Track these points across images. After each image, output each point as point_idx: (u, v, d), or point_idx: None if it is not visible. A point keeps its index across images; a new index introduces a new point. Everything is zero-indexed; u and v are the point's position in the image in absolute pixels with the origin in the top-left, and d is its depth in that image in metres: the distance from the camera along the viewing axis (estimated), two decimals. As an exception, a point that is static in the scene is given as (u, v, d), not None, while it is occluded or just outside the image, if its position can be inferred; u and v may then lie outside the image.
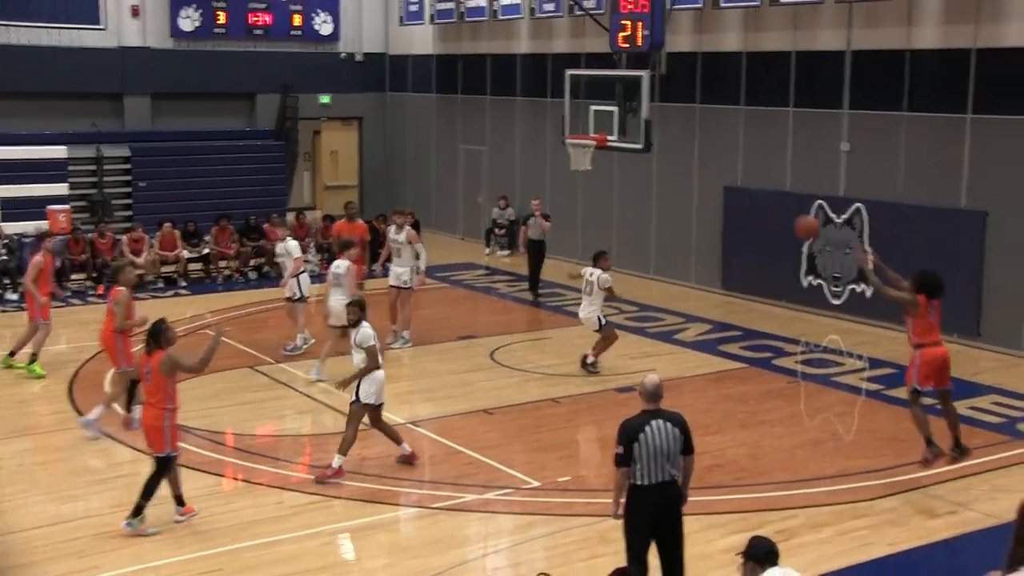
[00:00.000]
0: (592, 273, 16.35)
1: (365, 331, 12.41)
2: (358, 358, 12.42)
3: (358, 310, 12.58)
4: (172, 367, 11.02)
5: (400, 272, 18.20)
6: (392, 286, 18.31)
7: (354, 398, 12.38)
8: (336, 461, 12.24)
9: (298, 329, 17.66)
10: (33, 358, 16.37)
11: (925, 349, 11.42)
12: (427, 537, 10.94)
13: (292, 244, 17.74)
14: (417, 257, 18.29)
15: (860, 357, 17.31)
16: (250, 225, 24.58)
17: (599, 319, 16.39)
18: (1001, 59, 17.61)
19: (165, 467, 11.02)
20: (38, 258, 16.57)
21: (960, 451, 11.95)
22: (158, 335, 11.10)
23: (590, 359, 16.45)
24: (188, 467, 12.53)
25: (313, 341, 17.47)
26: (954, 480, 12.21)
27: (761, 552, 6.95)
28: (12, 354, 16.65)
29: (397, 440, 12.80)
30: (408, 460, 12.76)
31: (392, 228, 18.48)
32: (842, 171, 20.00)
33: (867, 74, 19.51)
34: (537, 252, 21.66)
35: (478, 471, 12.60)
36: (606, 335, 16.43)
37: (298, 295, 17.49)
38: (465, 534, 11.12)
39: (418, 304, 18.66)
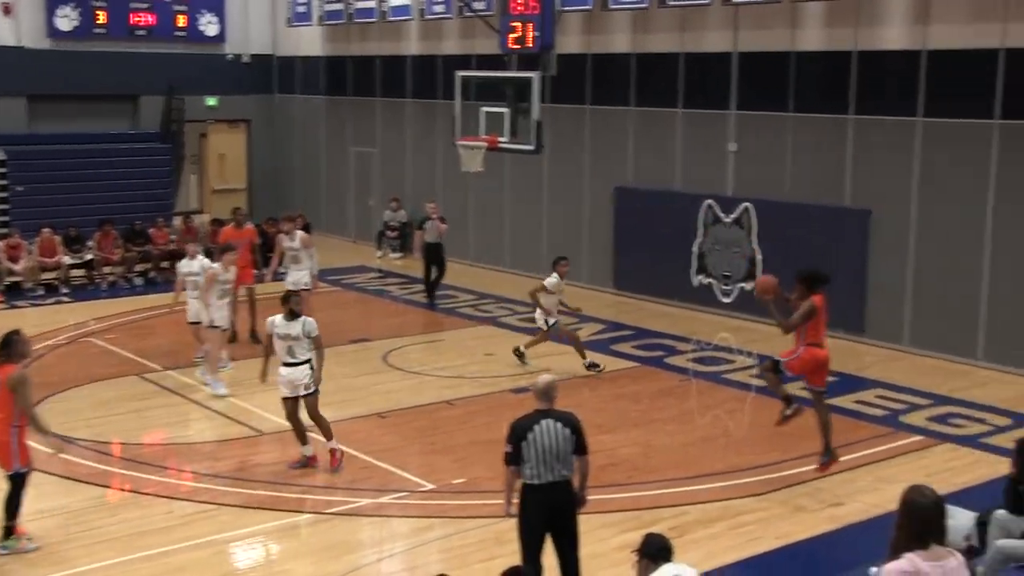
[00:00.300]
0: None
1: (311, 321, 12.66)
2: (298, 349, 12.53)
3: (300, 300, 12.77)
4: (19, 387, 10.33)
5: (299, 277, 18.08)
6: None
7: (314, 388, 12.65)
8: (334, 444, 12.69)
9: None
10: None
11: (811, 347, 11.61)
12: (321, 543, 10.88)
13: (206, 262, 16.56)
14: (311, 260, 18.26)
15: (750, 354, 17.62)
16: (135, 230, 24.20)
17: (545, 321, 16.81)
18: (880, 61, 18.09)
19: (20, 483, 10.55)
20: None
21: (829, 455, 12.01)
22: (9, 347, 10.46)
23: (585, 361, 16.76)
24: (72, 479, 12.32)
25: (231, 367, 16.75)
26: (839, 473, 12.50)
27: (655, 549, 7.05)
28: None
29: (303, 440, 12.75)
30: (308, 463, 12.71)
31: (284, 235, 18.36)
32: (730, 171, 20.34)
33: (754, 75, 19.89)
34: (435, 256, 21.56)
35: (373, 475, 12.57)
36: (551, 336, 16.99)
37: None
38: (360, 539, 11.09)
39: (310, 308, 18.51)
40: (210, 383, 15.71)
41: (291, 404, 12.71)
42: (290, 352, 12.62)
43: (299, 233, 18.27)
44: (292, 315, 12.63)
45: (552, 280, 16.75)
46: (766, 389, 12.53)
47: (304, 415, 12.73)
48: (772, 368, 11.92)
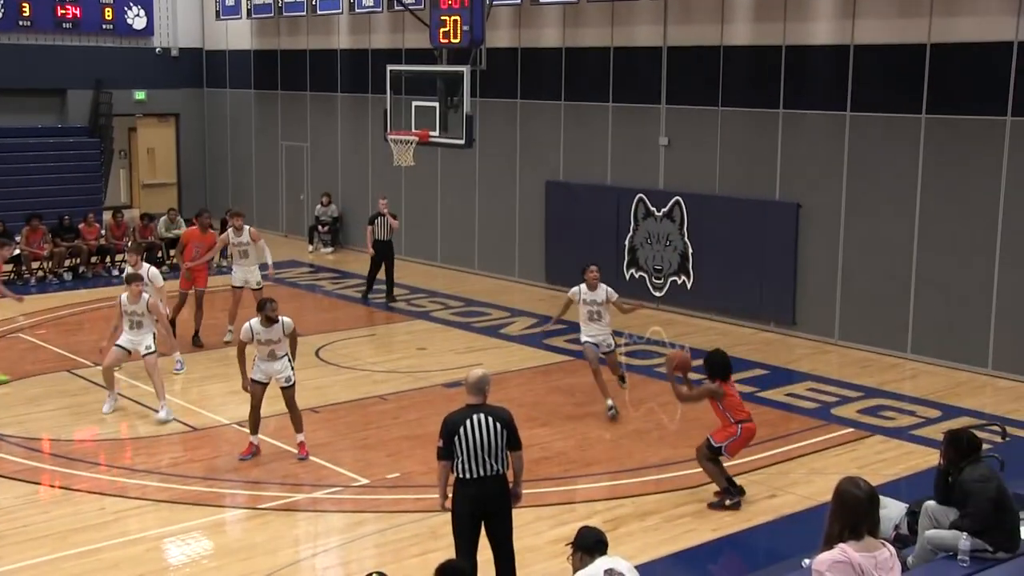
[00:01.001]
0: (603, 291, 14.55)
1: (289, 321, 12.78)
2: (279, 350, 12.67)
3: (275, 306, 12.76)
4: None
5: (247, 275, 17.98)
6: (236, 287, 18.00)
7: (293, 381, 12.84)
8: (300, 438, 12.86)
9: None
10: None
11: (746, 424, 11.49)
12: (255, 539, 10.76)
13: (154, 271, 16.13)
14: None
15: (682, 348, 17.69)
16: (64, 225, 23.78)
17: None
18: (809, 56, 18.25)
19: None
20: None
21: (737, 489, 11.64)
22: None
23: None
24: (2, 476, 12.10)
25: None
26: (773, 465, 12.62)
27: (591, 541, 7.04)
28: None
29: (256, 430, 12.85)
30: (257, 453, 12.78)
31: (231, 231, 18.14)
32: (661, 165, 20.43)
33: (683, 70, 19.98)
34: (386, 253, 21.28)
35: (306, 470, 12.46)
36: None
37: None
38: (295, 534, 10.98)
39: (240, 303, 18.31)
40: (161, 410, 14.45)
41: (261, 389, 12.71)
42: (271, 355, 12.68)
43: (247, 228, 18.07)
44: (269, 320, 12.59)
45: (575, 289, 14.70)
46: (699, 383, 12.52)
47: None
48: (712, 456, 11.43)
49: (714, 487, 11.54)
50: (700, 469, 11.59)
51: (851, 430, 13.95)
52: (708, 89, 19.50)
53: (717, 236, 19.38)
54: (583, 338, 14.56)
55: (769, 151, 18.78)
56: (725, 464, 11.60)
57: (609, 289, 14.63)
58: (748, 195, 19.06)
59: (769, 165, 18.80)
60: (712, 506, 11.42)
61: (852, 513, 6.05)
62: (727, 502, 11.38)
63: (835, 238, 18.05)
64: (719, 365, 11.48)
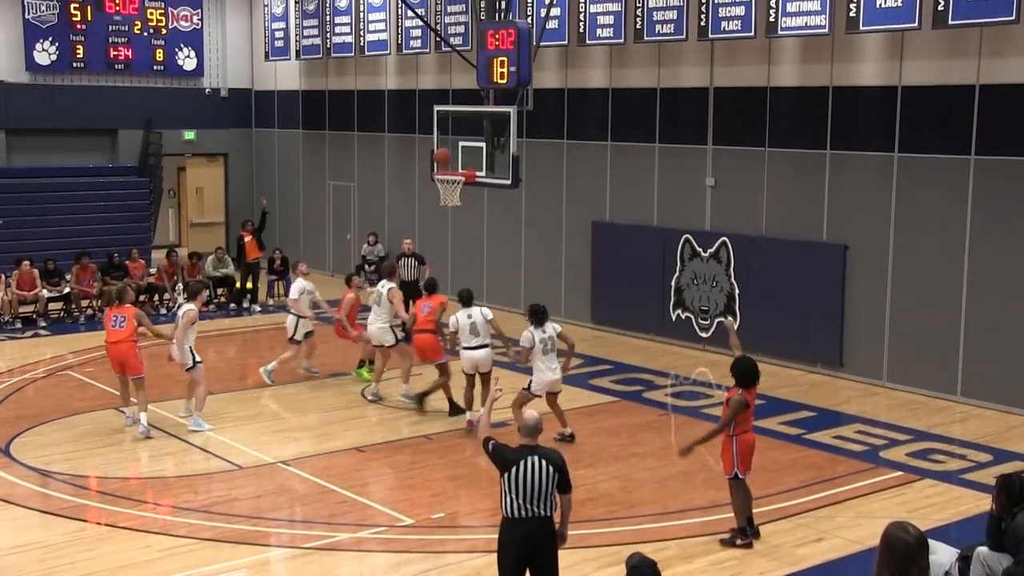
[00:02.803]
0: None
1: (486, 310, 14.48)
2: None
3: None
4: None
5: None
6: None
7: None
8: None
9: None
10: None
11: (744, 436, 11.35)
12: (300, 578, 10.79)
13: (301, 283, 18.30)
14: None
15: (728, 389, 17.55)
16: (113, 263, 24.06)
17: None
18: (855, 96, 18.20)
19: None
20: None
21: (753, 529, 11.58)
22: None
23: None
24: (50, 513, 12.20)
25: None
26: (820, 508, 12.49)
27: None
28: None
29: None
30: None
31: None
32: (707, 205, 20.40)
33: (730, 110, 19.98)
34: (411, 294, 21.32)
35: (351, 510, 12.48)
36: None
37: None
38: (338, 574, 10.98)
39: (287, 342, 18.42)
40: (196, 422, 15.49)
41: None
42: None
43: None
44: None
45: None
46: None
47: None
48: (741, 485, 11.31)
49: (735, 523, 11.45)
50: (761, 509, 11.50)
51: (900, 473, 13.78)
52: (755, 130, 19.48)
53: (764, 277, 19.30)
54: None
55: (816, 192, 18.72)
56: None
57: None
58: (795, 236, 18.98)
59: (816, 206, 18.73)
60: (723, 542, 11.32)
61: (901, 559, 5.98)
62: (738, 541, 11.27)
63: (883, 279, 17.93)
64: (748, 372, 11.31)
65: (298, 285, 18.25)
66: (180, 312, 15.83)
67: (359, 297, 18.40)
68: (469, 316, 15.47)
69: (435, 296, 16.62)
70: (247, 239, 25.15)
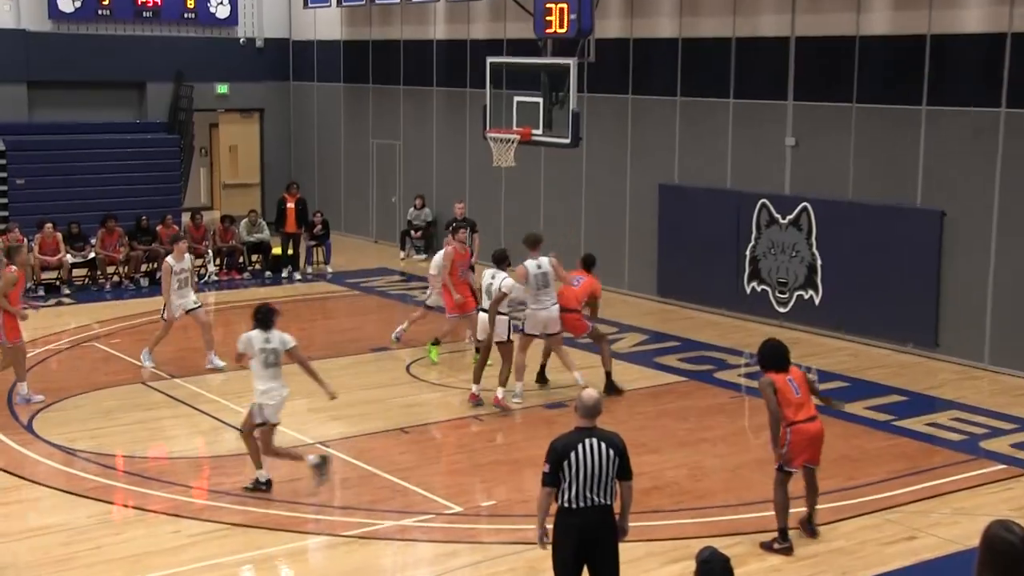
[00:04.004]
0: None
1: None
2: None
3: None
4: None
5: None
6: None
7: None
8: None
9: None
10: None
11: (796, 426, 11.10)
12: (339, 568, 10.84)
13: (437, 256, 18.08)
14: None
15: (808, 369, 17.37)
16: (141, 227, 24.22)
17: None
18: (956, 46, 17.90)
19: None
20: None
21: (811, 528, 11.44)
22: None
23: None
24: (74, 494, 12.34)
25: None
26: (912, 503, 12.34)
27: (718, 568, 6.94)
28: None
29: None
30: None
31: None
32: (787, 167, 20.21)
33: (813, 63, 19.75)
34: None
35: (394, 496, 12.51)
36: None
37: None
38: (381, 564, 11.04)
39: (328, 313, 18.54)
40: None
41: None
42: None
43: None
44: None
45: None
46: (827, 409, 12.27)
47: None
48: (783, 480, 11.12)
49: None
50: (830, 505, 11.36)
51: (1003, 467, 13.55)
52: (841, 84, 19.23)
53: (849, 246, 19.09)
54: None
55: (910, 152, 18.46)
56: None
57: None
58: (885, 201, 18.76)
59: (909, 168, 18.48)
60: (763, 545, 11.17)
61: (1004, 562, 5.83)
62: (775, 546, 11.11)
63: (986, 250, 17.66)
64: (771, 355, 11.20)
65: (438, 258, 18.07)
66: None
67: (463, 251, 17.91)
68: (493, 277, 15.60)
69: (591, 276, 16.59)
70: (290, 205, 25.16)
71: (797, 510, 11.32)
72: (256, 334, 12.37)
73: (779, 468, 11.13)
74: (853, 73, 19.11)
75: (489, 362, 15.97)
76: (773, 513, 11.15)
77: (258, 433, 12.43)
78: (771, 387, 11.00)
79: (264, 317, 12.41)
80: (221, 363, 17.11)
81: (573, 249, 23.23)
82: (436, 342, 17.81)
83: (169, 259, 17.38)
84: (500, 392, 15.47)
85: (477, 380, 15.71)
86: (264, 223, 25.62)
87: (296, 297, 22.89)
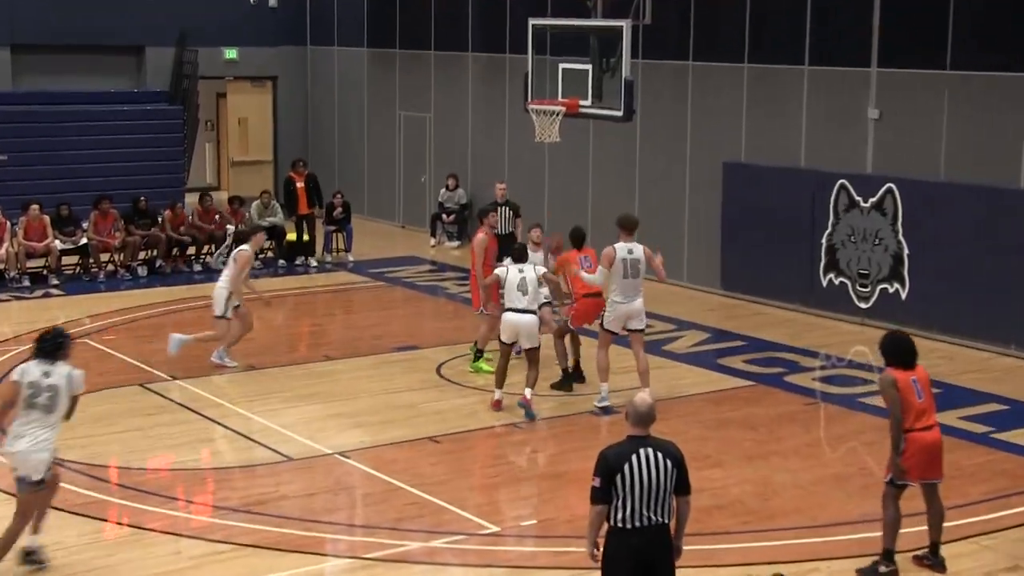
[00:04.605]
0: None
1: None
2: None
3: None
4: None
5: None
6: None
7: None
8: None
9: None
10: None
11: (914, 434, 11.01)
12: (360, 596, 10.87)
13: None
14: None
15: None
16: (139, 209, 24.27)
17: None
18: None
19: None
20: None
21: (936, 560, 11.31)
22: None
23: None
24: (62, 510, 12.37)
25: None
26: (1014, 528, 12.25)
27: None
28: None
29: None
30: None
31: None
32: (870, 143, 20.12)
33: (901, 23, 19.63)
34: (504, 250, 21.34)
35: (422, 513, 12.52)
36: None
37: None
38: (407, 591, 11.07)
39: (348, 307, 18.60)
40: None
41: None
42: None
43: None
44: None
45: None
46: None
47: None
48: (894, 494, 11.07)
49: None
50: (915, 528, 11.28)
51: None
52: (933, 47, 19.14)
53: (941, 233, 18.98)
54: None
55: (1011, 126, 18.35)
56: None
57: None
58: (983, 181, 18.65)
59: (1011, 144, 18.38)
60: (860, 572, 11.08)
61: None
62: (882, 569, 11.05)
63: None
64: (894, 348, 11.03)
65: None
66: (233, 255, 16.99)
67: (493, 237, 17.98)
68: (521, 271, 15.57)
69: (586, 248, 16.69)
70: (299, 185, 25.29)
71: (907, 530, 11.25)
72: (33, 365, 10.87)
73: (889, 481, 11.04)
74: (947, 35, 19.00)
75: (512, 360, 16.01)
76: (856, 536, 11.10)
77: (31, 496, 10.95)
78: (893, 386, 10.89)
79: (50, 345, 10.95)
80: (232, 363, 17.38)
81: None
82: (479, 353, 17.51)
83: (247, 247, 17.48)
84: (528, 392, 15.46)
85: (500, 384, 15.78)
86: (278, 205, 25.70)
87: (313, 289, 22.97)
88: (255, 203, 25.46)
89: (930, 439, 11.00)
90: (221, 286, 17.30)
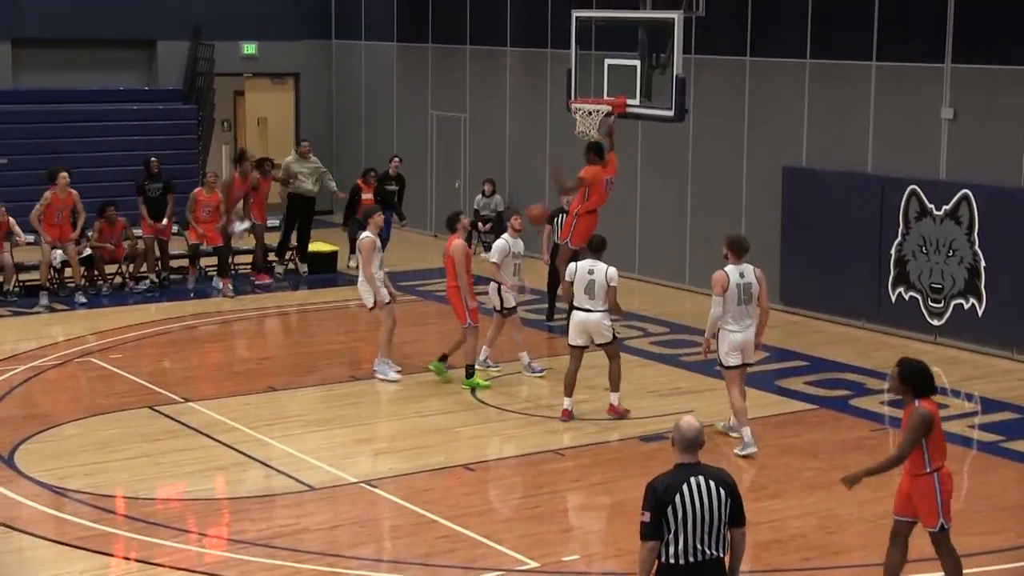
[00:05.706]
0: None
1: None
2: None
3: None
4: None
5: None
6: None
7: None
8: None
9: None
10: None
11: (944, 471, 10.86)
12: (388, 637, 10.89)
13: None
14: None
15: (970, 397, 17.28)
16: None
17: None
18: None
19: None
20: None
21: None
22: None
23: None
24: (65, 543, 12.43)
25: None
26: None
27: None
28: None
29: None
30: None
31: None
32: (943, 146, 20.06)
33: (977, 15, 19.57)
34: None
35: (455, 547, 12.52)
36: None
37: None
38: (439, 633, 11.08)
39: (376, 322, 18.60)
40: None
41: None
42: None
43: None
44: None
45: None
46: (995, 446, 12.10)
47: None
48: (946, 540, 10.94)
49: None
50: (1003, 567, 11.21)
51: None
52: (1012, 41, 19.07)
53: (1021, 244, 18.89)
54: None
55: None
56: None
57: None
58: (1067, 188, 18.62)
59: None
60: None
61: None
62: None
63: None
64: (923, 377, 10.73)
65: (500, 245, 18.46)
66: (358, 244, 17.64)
67: (468, 248, 18.40)
68: (590, 272, 15.93)
69: None
70: (365, 196, 24.79)
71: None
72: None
73: (939, 529, 10.92)
74: (1028, 29, 18.98)
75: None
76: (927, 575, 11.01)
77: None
78: (931, 424, 10.65)
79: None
80: (394, 375, 17.97)
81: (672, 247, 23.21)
82: (470, 369, 17.77)
83: (369, 233, 17.92)
84: (615, 398, 15.97)
85: (569, 392, 16.14)
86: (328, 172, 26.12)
87: (336, 303, 23.01)
88: (290, 156, 25.47)
89: (950, 474, 10.94)
90: (360, 280, 18.02)
